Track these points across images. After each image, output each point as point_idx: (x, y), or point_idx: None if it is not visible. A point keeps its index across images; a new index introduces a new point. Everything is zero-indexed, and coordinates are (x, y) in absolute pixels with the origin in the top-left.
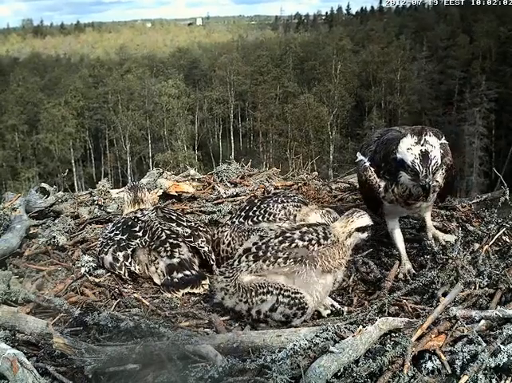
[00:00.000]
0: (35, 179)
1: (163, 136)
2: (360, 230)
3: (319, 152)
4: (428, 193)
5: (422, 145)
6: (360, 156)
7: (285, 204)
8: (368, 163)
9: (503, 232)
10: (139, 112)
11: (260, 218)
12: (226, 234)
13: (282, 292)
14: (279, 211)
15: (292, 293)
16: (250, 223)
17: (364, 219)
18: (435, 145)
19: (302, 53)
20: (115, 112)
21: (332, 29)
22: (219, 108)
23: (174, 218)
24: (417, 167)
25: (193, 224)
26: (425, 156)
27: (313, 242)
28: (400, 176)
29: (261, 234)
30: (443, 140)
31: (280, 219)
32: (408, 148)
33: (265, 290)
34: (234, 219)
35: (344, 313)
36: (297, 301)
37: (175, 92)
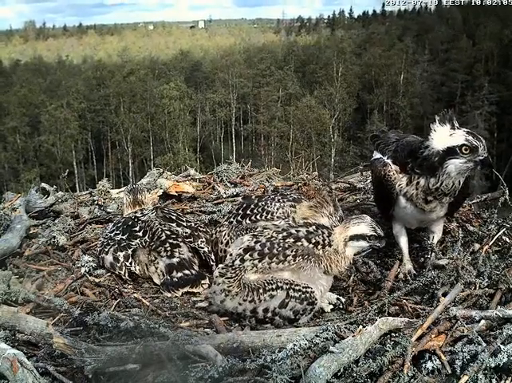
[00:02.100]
0: (37, 180)
1: (164, 138)
2: (354, 238)
3: (320, 155)
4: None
5: (459, 128)
6: (376, 155)
7: (282, 204)
8: (388, 160)
9: (503, 232)
10: (141, 114)
11: (258, 216)
12: (224, 233)
13: (293, 286)
14: (277, 209)
15: (302, 287)
16: (247, 221)
17: (360, 227)
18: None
19: (304, 57)
20: (117, 114)
21: (334, 32)
22: (221, 111)
23: (174, 218)
24: (475, 143)
25: (193, 224)
26: (473, 134)
27: (319, 247)
28: (447, 166)
29: (255, 233)
30: None
31: (278, 217)
32: (451, 134)
33: (274, 286)
34: (232, 219)
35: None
36: (307, 295)
37: (176, 94)
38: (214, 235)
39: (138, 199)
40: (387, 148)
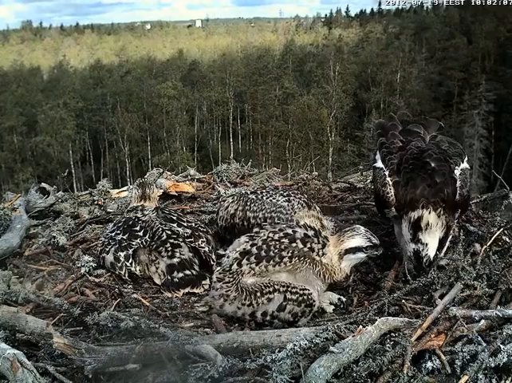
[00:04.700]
0: (34, 180)
1: (162, 137)
2: (350, 251)
3: (318, 155)
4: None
5: (416, 243)
6: (378, 161)
7: (291, 197)
8: (388, 179)
9: (503, 232)
10: (137, 113)
11: (264, 197)
12: (229, 199)
13: (290, 289)
14: (283, 201)
15: (299, 289)
16: (253, 197)
17: (356, 240)
18: (428, 242)
19: (301, 55)
20: (114, 113)
21: (331, 31)
22: (218, 110)
23: (174, 218)
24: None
25: (193, 225)
26: (418, 256)
27: (314, 253)
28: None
29: (251, 234)
30: (466, 165)
31: (281, 206)
32: (405, 242)
33: (271, 289)
34: (242, 190)
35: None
36: (305, 297)
37: (174, 93)
38: (218, 204)
39: (146, 194)
40: (390, 157)
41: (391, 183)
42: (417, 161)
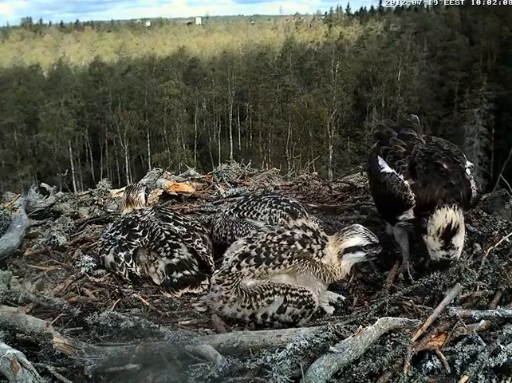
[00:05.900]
0: (33, 177)
1: (162, 135)
2: (350, 250)
3: (318, 152)
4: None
5: (447, 250)
6: (385, 165)
7: (273, 210)
8: (406, 182)
9: (503, 232)
10: (137, 111)
11: (245, 213)
12: (218, 220)
13: (290, 291)
14: (264, 213)
15: (299, 291)
16: (236, 216)
17: (355, 239)
18: (460, 245)
19: (301, 53)
20: (114, 111)
21: (331, 28)
22: (218, 107)
23: (171, 217)
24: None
25: (189, 223)
26: (446, 262)
27: (313, 254)
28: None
29: (249, 237)
30: (469, 162)
31: (262, 219)
32: (432, 250)
33: (271, 291)
34: (227, 209)
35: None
36: (305, 299)
37: (176, 92)
38: (212, 219)
39: (130, 198)
40: (399, 161)
41: (409, 186)
42: (429, 163)
